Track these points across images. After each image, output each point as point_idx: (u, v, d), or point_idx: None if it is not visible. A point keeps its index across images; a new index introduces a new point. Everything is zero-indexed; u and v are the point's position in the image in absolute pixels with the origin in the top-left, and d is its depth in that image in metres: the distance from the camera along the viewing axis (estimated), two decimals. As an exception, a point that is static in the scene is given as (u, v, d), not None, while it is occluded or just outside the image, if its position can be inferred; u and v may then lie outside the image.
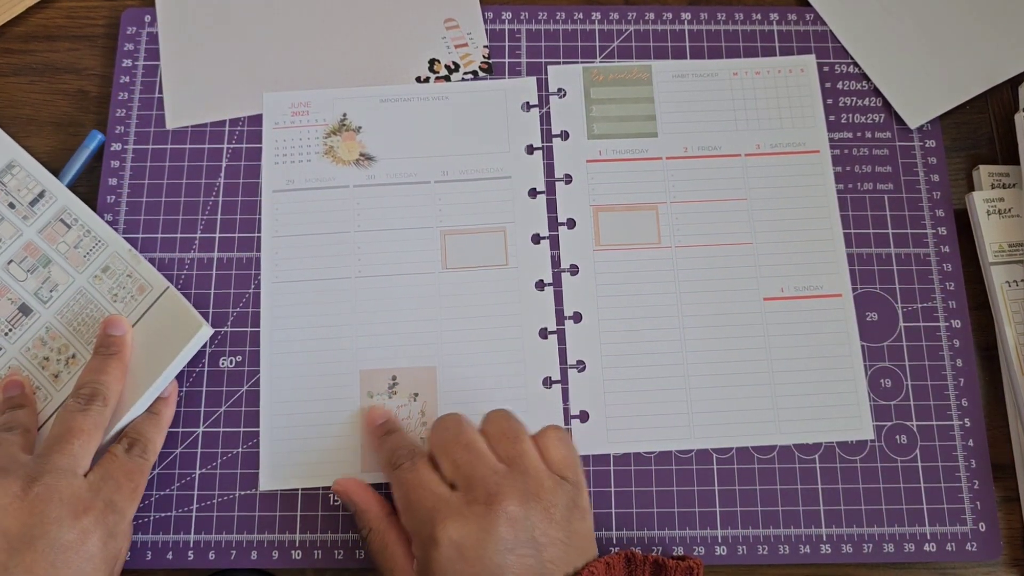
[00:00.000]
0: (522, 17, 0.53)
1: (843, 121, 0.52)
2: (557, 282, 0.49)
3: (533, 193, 0.50)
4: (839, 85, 0.53)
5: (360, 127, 0.51)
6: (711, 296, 0.49)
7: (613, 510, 0.46)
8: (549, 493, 0.38)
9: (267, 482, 0.46)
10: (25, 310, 0.46)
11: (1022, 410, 0.47)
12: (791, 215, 0.50)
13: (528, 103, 0.52)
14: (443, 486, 0.39)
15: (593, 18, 0.54)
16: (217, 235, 0.50)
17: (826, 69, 0.53)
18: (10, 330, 0.46)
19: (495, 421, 0.41)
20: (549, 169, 0.51)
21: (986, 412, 0.48)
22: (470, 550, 0.36)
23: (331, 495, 0.46)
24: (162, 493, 0.46)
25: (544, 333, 0.48)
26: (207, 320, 0.47)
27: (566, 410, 0.47)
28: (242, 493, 0.46)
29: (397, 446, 0.42)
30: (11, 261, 0.47)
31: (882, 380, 0.48)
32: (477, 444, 0.40)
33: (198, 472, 0.46)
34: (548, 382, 0.48)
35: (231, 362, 0.48)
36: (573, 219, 0.50)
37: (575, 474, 0.40)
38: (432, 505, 0.38)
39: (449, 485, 0.39)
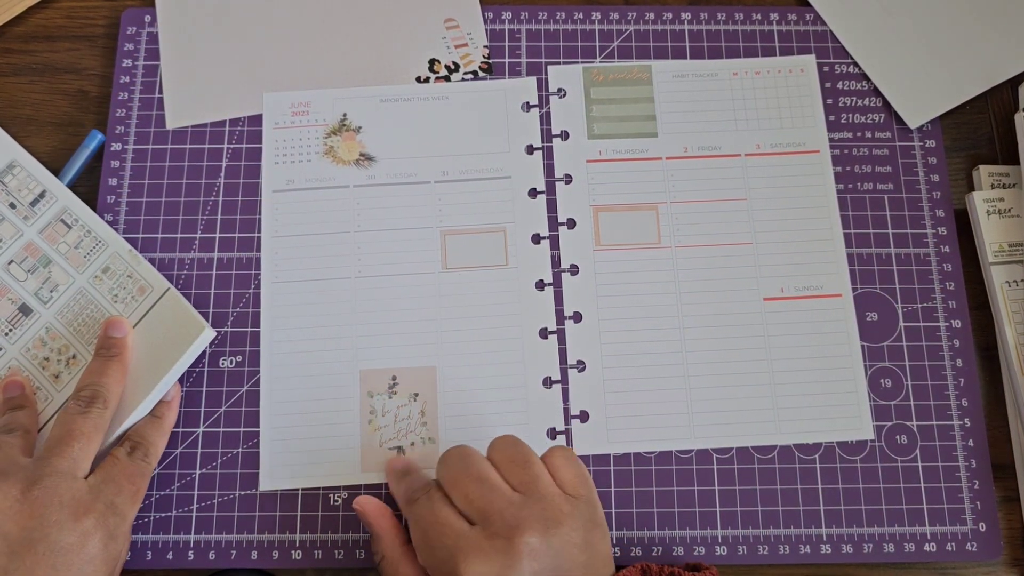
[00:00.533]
0: (522, 17, 0.53)
1: (843, 121, 0.52)
2: (557, 282, 0.49)
3: (533, 193, 0.50)
4: (839, 85, 0.53)
5: (360, 127, 0.51)
6: (711, 296, 0.49)
7: (613, 510, 0.46)
8: (568, 517, 0.37)
9: (267, 482, 0.46)
10: (25, 310, 0.46)
11: (1022, 410, 0.47)
12: (791, 215, 0.50)
13: (528, 103, 0.52)
14: (461, 521, 0.37)
15: (593, 18, 0.54)
16: (217, 235, 0.50)
17: (826, 69, 0.53)
18: (10, 330, 0.46)
19: (502, 448, 0.40)
20: (549, 169, 0.51)
21: (986, 412, 0.48)
22: None
23: (331, 495, 0.46)
24: (162, 493, 0.46)
25: (544, 333, 0.48)
26: (207, 320, 0.47)
27: (566, 410, 0.47)
28: (242, 493, 0.46)
29: (413, 483, 0.41)
30: (12, 261, 0.47)
31: (882, 380, 0.48)
32: (488, 475, 0.38)
33: (198, 472, 0.46)
34: (548, 382, 0.48)
35: (231, 362, 0.48)
36: (573, 219, 0.50)
37: (588, 491, 0.39)
38: (452, 543, 0.36)
39: (465, 519, 0.38)
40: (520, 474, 0.38)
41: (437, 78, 0.52)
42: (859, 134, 0.52)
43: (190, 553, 0.45)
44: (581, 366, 0.48)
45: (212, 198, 0.50)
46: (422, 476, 0.42)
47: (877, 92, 0.52)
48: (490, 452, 0.40)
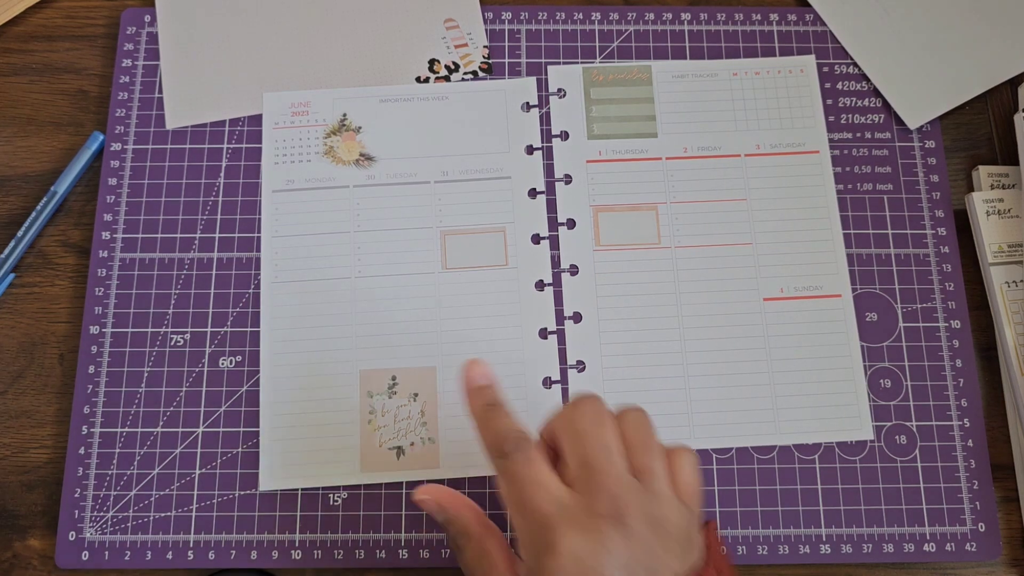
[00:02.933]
0: (522, 17, 0.53)
1: (843, 121, 0.52)
2: (557, 282, 0.49)
3: (533, 193, 0.50)
4: (839, 85, 0.53)
5: (360, 127, 0.51)
6: (711, 296, 0.49)
7: (613, 510, 0.46)
8: (675, 523, 0.34)
9: (267, 482, 0.46)
10: None
11: (1022, 410, 0.47)
12: (791, 215, 0.50)
13: (528, 103, 0.52)
14: (562, 487, 0.35)
15: (593, 18, 0.54)
16: (217, 235, 0.50)
17: (826, 69, 0.53)
18: None
19: (634, 425, 0.36)
20: (549, 169, 0.51)
21: (986, 412, 0.48)
22: (589, 567, 0.33)
23: (331, 495, 0.46)
24: (162, 493, 0.46)
25: (544, 333, 0.48)
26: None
27: (566, 410, 0.47)
28: (242, 493, 0.46)
29: (504, 431, 0.37)
30: None
31: (882, 380, 0.48)
32: (613, 447, 0.35)
33: (198, 472, 0.46)
34: (548, 382, 0.48)
35: (231, 362, 0.48)
36: (573, 219, 0.50)
37: (697, 506, 0.36)
38: (550, 510, 0.34)
39: (561, 476, 0.35)
40: (642, 459, 0.35)
41: (437, 78, 0.52)
42: (859, 134, 0.52)
43: (190, 553, 0.45)
44: (581, 366, 0.48)
45: (212, 198, 0.50)
46: (510, 420, 0.38)
47: (877, 92, 0.53)
48: (620, 422, 0.37)
